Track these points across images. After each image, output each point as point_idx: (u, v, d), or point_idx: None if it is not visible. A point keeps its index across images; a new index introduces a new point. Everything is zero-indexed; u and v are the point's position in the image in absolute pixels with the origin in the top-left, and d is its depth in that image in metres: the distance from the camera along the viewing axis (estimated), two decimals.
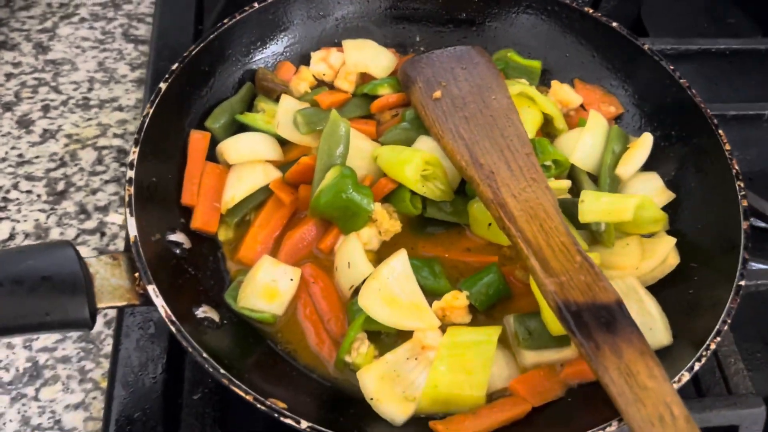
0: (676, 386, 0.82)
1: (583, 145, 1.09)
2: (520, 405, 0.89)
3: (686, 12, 1.58)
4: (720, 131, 1.03)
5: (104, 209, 1.25)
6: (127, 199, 0.92)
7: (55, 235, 1.20)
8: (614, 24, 1.17)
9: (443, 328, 0.94)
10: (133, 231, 0.89)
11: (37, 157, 1.31)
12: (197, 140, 1.07)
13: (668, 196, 1.07)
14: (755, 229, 1.04)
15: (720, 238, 0.97)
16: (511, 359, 0.95)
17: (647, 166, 1.10)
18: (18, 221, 1.21)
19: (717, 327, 0.87)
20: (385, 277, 0.94)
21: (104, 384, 1.06)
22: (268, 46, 1.19)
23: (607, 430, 0.81)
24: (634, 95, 1.16)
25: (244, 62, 1.17)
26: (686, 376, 0.84)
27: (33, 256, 0.81)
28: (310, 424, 0.77)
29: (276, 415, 0.77)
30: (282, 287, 0.96)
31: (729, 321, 0.87)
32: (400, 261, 0.96)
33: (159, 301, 0.84)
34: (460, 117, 1.06)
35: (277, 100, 1.13)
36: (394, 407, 0.88)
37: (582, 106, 1.18)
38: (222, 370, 0.80)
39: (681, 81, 1.09)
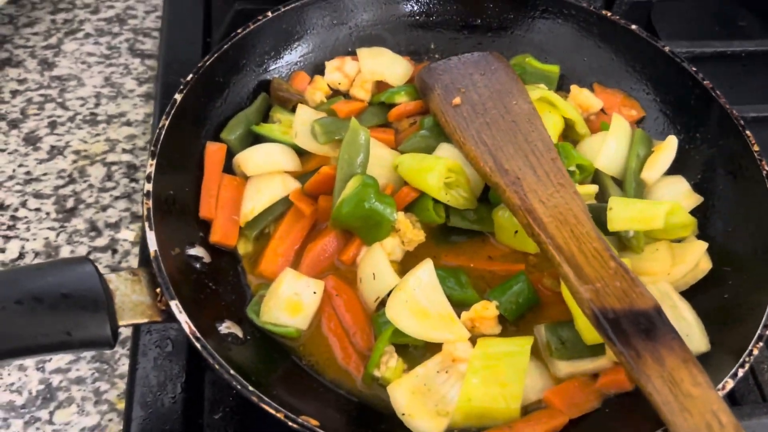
0: (720, 393, 0.79)
1: (608, 150, 1.06)
2: (556, 417, 0.86)
3: (697, 16, 1.57)
4: (748, 132, 1.01)
5: (115, 226, 1.22)
6: (145, 212, 0.89)
7: (65, 253, 1.17)
8: (633, 26, 1.15)
9: (473, 340, 0.91)
10: (153, 245, 0.86)
11: (45, 174, 1.28)
12: (213, 152, 1.04)
13: (696, 199, 1.05)
14: None
15: (753, 240, 0.95)
16: (545, 370, 0.92)
17: (672, 170, 1.08)
18: (27, 240, 1.18)
19: (759, 332, 0.84)
20: (412, 288, 0.91)
21: (120, 405, 1.03)
22: (282, 55, 1.17)
23: None
24: (656, 98, 1.14)
25: (258, 72, 1.14)
26: (730, 383, 0.81)
27: (52, 273, 0.78)
28: None
29: None
30: (305, 300, 0.93)
31: None
32: (426, 271, 0.93)
33: (182, 317, 0.81)
34: (481, 123, 1.04)
35: (292, 110, 1.10)
36: (427, 423, 0.85)
37: (603, 110, 1.16)
38: (251, 387, 0.77)
39: (704, 82, 1.07)
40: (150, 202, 0.90)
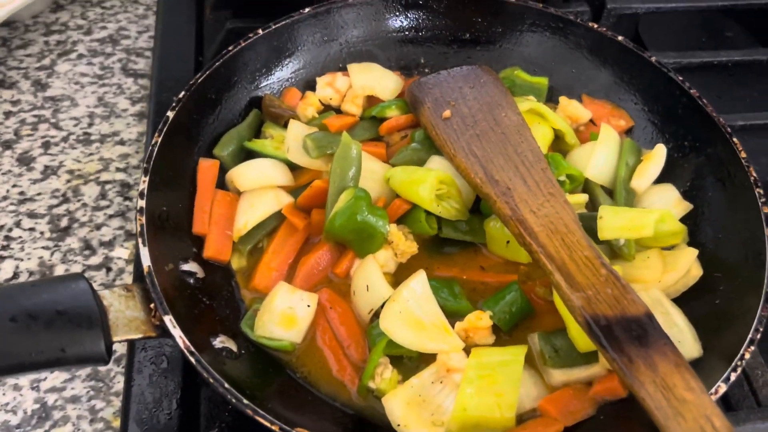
0: (713, 398, 0.80)
1: (597, 159, 1.07)
2: (551, 425, 0.86)
3: (684, 27, 1.59)
4: (735, 139, 1.02)
5: (109, 244, 1.22)
6: (139, 228, 0.89)
7: (60, 271, 1.17)
8: (620, 38, 1.17)
9: (467, 350, 0.92)
10: (146, 261, 0.86)
11: (38, 194, 1.28)
12: (206, 168, 1.05)
13: (685, 207, 1.06)
14: None
15: (744, 246, 0.96)
16: (539, 379, 0.92)
17: (662, 178, 1.09)
18: (22, 259, 1.19)
19: (750, 336, 0.85)
20: (406, 299, 0.92)
21: (116, 423, 1.03)
22: (273, 72, 1.18)
23: None
24: (644, 108, 1.16)
25: (250, 89, 1.15)
26: (723, 387, 0.82)
27: (46, 290, 0.79)
28: None
29: None
30: (299, 314, 0.94)
31: (761, 329, 0.85)
32: (419, 282, 0.94)
33: (176, 332, 0.81)
34: (471, 135, 1.05)
35: (284, 125, 1.11)
36: None
37: (591, 121, 1.18)
38: (245, 401, 0.77)
39: (691, 91, 1.09)
40: (143, 219, 0.90)
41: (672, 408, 0.75)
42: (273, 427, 0.75)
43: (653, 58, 1.14)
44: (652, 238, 0.99)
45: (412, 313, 0.91)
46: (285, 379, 0.91)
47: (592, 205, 1.06)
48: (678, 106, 1.11)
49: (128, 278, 1.17)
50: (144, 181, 0.94)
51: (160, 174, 0.97)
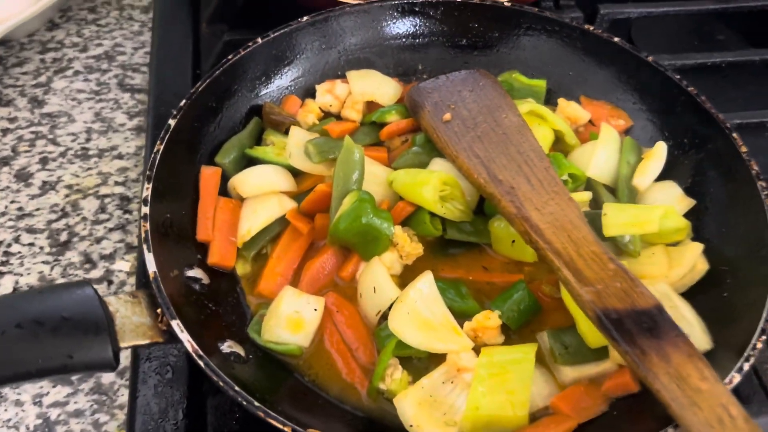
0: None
1: (598, 158, 1.08)
2: (564, 422, 0.85)
3: (676, 31, 1.60)
4: (735, 134, 1.02)
5: (110, 257, 1.21)
6: (143, 235, 0.89)
7: None
8: (616, 39, 1.18)
9: (476, 350, 0.91)
10: (152, 267, 0.86)
11: (37, 209, 1.28)
12: (208, 176, 1.05)
13: (688, 203, 1.06)
14: None
15: (747, 239, 0.96)
16: (550, 377, 0.91)
17: (663, 176, 1.09)
18: (21, 275, 1.18)
19: (761, 326, 0.84)
20: (413, 300, 0.91)
21: None
22: (273, 80, 1.18)
23: None
24: (643, 107, 1.16)
25: (250, 97, 1.15)
26: (737, 378, 0.81)
27: (52, 297, 0.78)
28: None
29: None
30: (306, 318, 0.93)
31: None
32: (426, 283, 0.94)
33: (185, 336, 0.80)
34: (472, 137, 1.05)
35: (285, 132, 1.11)
36: None
37: (591, 122, 1.18)
38: (257, 403, 0.76)
39: (689, 89, 1.09)
40: (147, 225, 0.90)
41: (687, 398, 0.74)
42: (285, 429, 0.74)
43: (650, 58, 1.15)
44: (657, 234, 0.99)
45: (420, 313, 0.91)
46: (294, 383, 0.90)
47: (596, 204, 1.06)
48: (676, 104, 1.11)
49: (130, 290, 1.16)
50: (147, 188, 0.93)
51: (162, 181, 0.96)
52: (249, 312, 0.98)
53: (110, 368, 0.78)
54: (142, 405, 0.97)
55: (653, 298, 0.84)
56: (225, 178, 1.07)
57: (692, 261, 0.98)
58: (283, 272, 0.99)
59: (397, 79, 1.23)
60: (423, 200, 0.99)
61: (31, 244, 1.22)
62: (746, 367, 0.82)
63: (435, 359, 0.91)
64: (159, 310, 0.83)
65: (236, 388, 0.77)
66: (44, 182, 1.32)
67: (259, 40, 1.14)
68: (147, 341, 0.81)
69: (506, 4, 1.24)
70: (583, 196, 1.03)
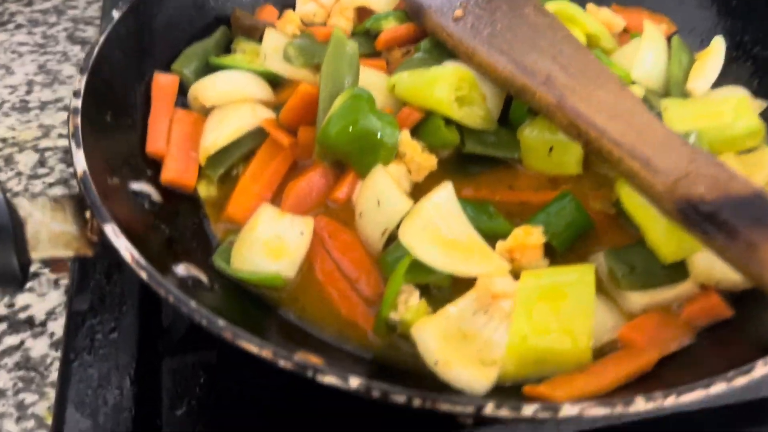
0: None
1: (644, 58, 0.88)
2: (642, 356, 0.63)
3: None
4: None
5: None
6: (71, 129, 0.67)
7: None
8: None
9: (515, 276, 0.69)
10: (81, 166, 0.64)
11: None
12: (163, 84, 0.83)
13: (759, 105, 0.86)
14: None
15: None
16: (612, 305, 0.70)
17: (719, 83, 0.90)
18: None
19: None
20: (430, 215, 0.70)
21: (51, 420, 0.77)
22: None
23: None
24: (688, 7, 0.97)
25: (217, 4, 0.95)
26: None
27: None
28: (362, 381, 0.50)
29: (311, 373, 0.50)
30: (290, 243, 0.71)
31: None
32: (444, 196, 0.72)
33: (121, 242, 0.58)
34: (491, 33, 0.85)
35: (259, 40, 0.90)
36: (470, 373, 0.61)
37: (625, 30, 0.99)
38: (221, 322, 0.54)
39: None
40: (78, 120, 0.68)
41: None
42: (264, 353, 0.51)
43: None
44: (728, 139, 0.80)
45: (439, 231, 0.69)
46: (277, 322, 0.68)
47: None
48: None
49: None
50: (80, 81, 0.72)
51: (102, 80, 0.75)
52: (215, 241, 0.76)
53: (15, 283, 0.56)
54: (78, 370, 0.74)
55: (750, 183, 0.63)
56: (184, 92, 0.86)
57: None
58: (259, 193, 0.77)
59: None
60: (436, 101, 0.79)
61: None
62: None
63: (459, 288, 0.69)
64: (88, 214, 0.60)
65: (192, 304, 0.55)
66: None
67: None
68: (70, 253, 0.59)
69: None
70: (635, 90, 0.83)
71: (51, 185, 1.04)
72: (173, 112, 0.82)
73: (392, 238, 0.71)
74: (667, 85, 0.89)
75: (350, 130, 0.74)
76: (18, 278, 0.56)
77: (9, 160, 1.08)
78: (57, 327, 0.87)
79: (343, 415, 0.66)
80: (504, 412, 0.48)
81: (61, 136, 1.12)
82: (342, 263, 0.72)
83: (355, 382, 0.49)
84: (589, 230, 0.75)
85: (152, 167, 0.78)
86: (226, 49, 0.93)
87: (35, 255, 0.57)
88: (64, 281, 0.90)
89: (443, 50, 0.88)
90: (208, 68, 0.88)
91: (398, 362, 0.65)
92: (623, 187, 0.71)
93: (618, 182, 0.72)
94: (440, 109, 0.79)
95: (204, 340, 0.73)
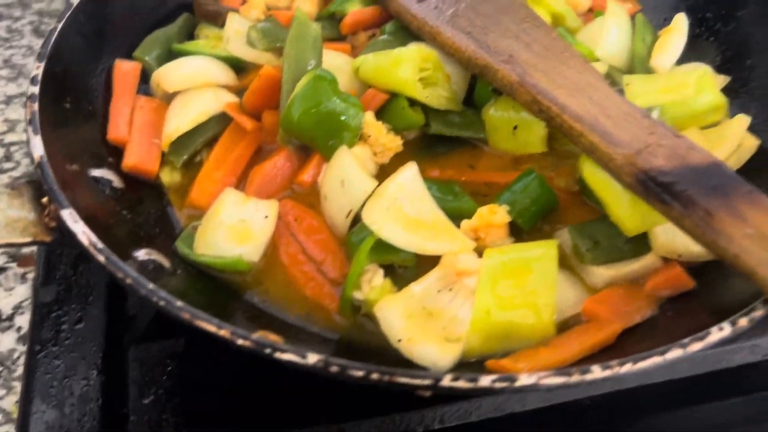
0: None
1: (608, 36, 0.88)
2: (605, 327, 0.64)
3: None
4: None
5: None
6: (29, 116, 0.66)
7: None
8: None
9: (479, 253, 0.69)
10: (38, 151, 0.63)
11: None
12: (124, 71, 0.83)
13: (722, 79, 0.87)
14: None
15: None
16: (576, 280, 0.70)
17: (683, 59, 0.90)
18: None
19: None
20: (394, 196, 0.70)
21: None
22: None
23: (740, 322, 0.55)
24: None
25: None
26: None
27: None
28: (320, 357, 0.50)
29: (269, 351, 0.50)
30: (255, 227, 0.71)
31: None
32: (409, 176, 0.72)
33: (79, 227, 0.57)
34: (454, 13, 0.85)
35: (222, 26, 0.90)
36: (433, 349, 0.61)
37: (591, 10, 0.99)
38: (179, 302, 0.53)
39: None
40: (35, 105, 0.67)
41: None
42: (221, 333, 0.51)
43: None
44: (690, 114, 0.80)
45: (403, 211, 0.69)
46: (242, 306, 0.68)
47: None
48: None
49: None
50: (38, 67, 0.71)
51: (61, 65, 0.74)
52: (179, 227, 0.75)
53: None
54: (44, 362, 0.73)
55: (708, 153, 0.63)
56: (147, 80, 0.85)
57: (737, 136, 0.78)
58: (222, 179, 0.77)
59: None
60: (399, 82, 0.78)
61: None
62: None
63: (426, 267, 0.69)
64: (45, 200, 0.60)
65: (150, 286, 0.54)
66: None
67: None
68: (27, 239, 0.59)
69: None
70: (597, 68, 0.83)
71: (17, 179, 1.03)
72: (135, 99, 0.81)
73: (357, 220, 0.71)
74: (632, 63, 0.89)
75: (313, 112, 0.74)
76: None
77: None
78: (24, 321, 0.86)
79: (311, 402, 0.66)
80: (461, 384, 0.48)
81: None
82: (307, 246, 0.71)
83: (313, 358, 0.49)
84: (554, 207, 0.76)
85: (114, 154, 0.77)
86: (189, 36, 0.92)
87: None
88: (31, 275, 0.89)
89: (408, 33, 0.88)
90: (170, 55, 0.87)
91: (364, 342, 0.65)
92: (586, 163, 0.71)
93: (581, 158, 0.72)
94: (404, 90, 0.79)
95: (170, 328, 0.73)
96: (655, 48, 0.89)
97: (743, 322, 0.54)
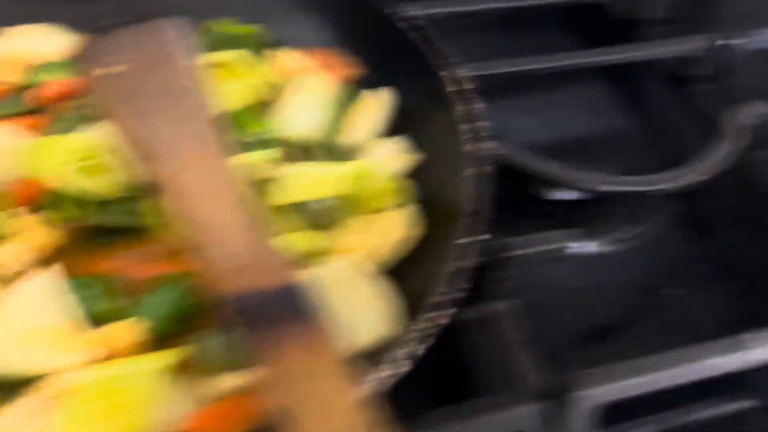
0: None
1: (292, 112, 0.87)
2: None
3: None
4: (445, 71, 0.83)
5: None
6: None
7: None
8: None
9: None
10: None
11: None
12: None
13: (408, 160, 0.86)
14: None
15: (452, 199, 0.76)
16: (191, 392, 0.69)
17: (399, 131, 0.90)
18: None
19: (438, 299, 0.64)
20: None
21: None
22: None
23: None
24: (368, 57, 0.96)
25: None
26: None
27: None
28: None
29: None
30: None
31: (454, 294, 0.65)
32: (38, 282, 0.70)
33: None
34: (131, 97, 0.82)
35: None
36: None
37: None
38: None
39: (410, 34, 0.90)
40: None
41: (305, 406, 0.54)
42: None
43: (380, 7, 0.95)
44: (362, 200, 0.79)
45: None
46: None
47: None
48: (400, 52, 0.92)
49: None
50: None
51: None
52: None
53: None
54: None
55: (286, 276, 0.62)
56: None
57: (395, 227, 0.78)
58: None
59: (67, 32, 0.98)
60: (45, 173, 0.76)
61: None
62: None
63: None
64: None
65: None
66: None
67: None
68: None
69: None
70: (267, 156, 0.82)
71: None
72: None
73: None
74: (326, 137, 0.88)
75: None
76: None
77: None
78: None
79: None
80: None
81: None
82: None
83: None
84: (201, 311, 0.74)
85: None
86: None
87: None
88: None
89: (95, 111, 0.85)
90: None
91: None
92: None
93: None
94: (50, 181, 0.76)
95: None
96: (354, 122, 0.88)
97: None
